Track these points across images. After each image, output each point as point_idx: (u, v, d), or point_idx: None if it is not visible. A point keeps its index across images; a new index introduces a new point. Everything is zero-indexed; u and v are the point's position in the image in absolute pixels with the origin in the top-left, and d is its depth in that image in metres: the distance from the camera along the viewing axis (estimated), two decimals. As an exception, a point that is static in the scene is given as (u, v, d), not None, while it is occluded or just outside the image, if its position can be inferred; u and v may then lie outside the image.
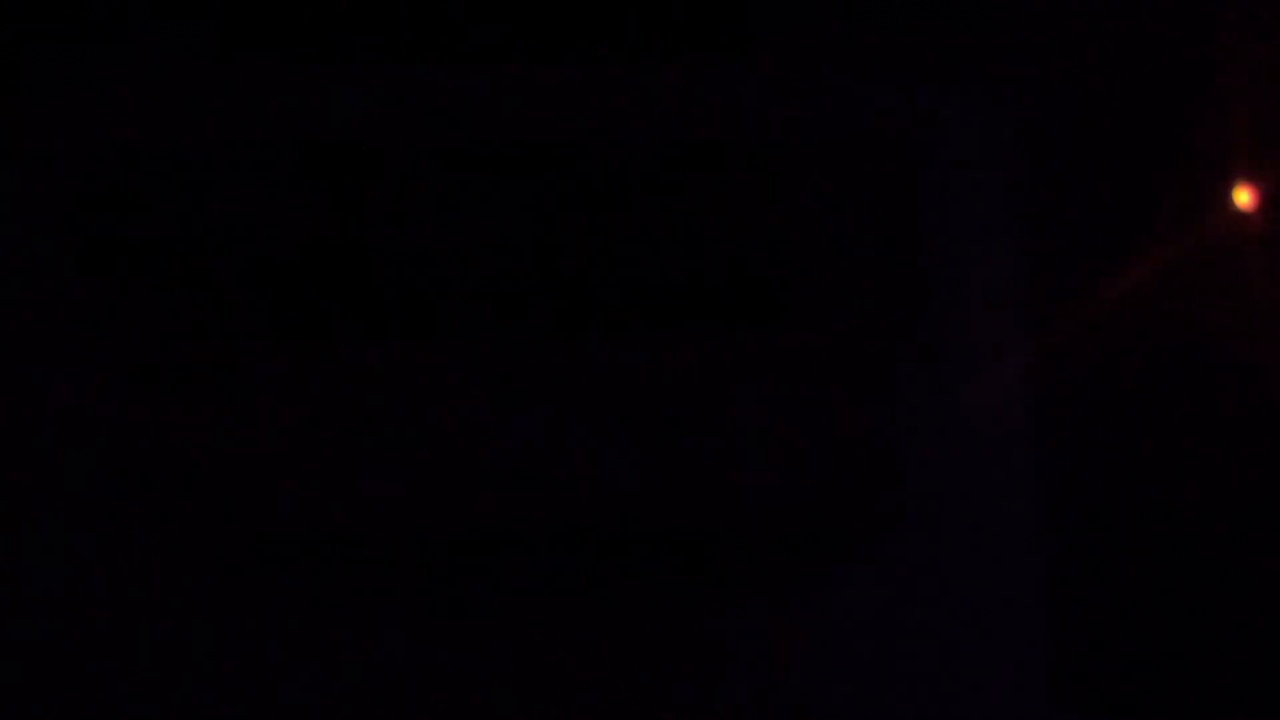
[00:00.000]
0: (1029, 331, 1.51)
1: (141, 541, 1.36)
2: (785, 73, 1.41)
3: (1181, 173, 1.54)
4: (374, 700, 1.35)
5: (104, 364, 1.35)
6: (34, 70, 1.37)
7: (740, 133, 1.41)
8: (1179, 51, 1.54)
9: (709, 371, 1.39)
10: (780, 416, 1.39)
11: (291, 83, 1.34)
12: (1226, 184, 1.54)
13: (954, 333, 1.48)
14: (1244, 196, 1.54)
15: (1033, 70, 1.56)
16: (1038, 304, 1.53)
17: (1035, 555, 1.47)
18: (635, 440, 1.37)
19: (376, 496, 1.35)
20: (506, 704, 1.34)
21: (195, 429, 1.35)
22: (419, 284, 1.36)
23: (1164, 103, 1.55)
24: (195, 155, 1.34)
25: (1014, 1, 1.53)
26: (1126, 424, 1.49)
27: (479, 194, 1.37)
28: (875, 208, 1.43)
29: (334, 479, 1.36)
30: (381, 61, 1.37)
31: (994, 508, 1.45)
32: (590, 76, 1.38)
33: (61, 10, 1.37)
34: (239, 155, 1.34)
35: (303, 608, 1.35)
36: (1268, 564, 1.45)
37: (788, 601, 1.38)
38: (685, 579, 1.37)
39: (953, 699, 1.37)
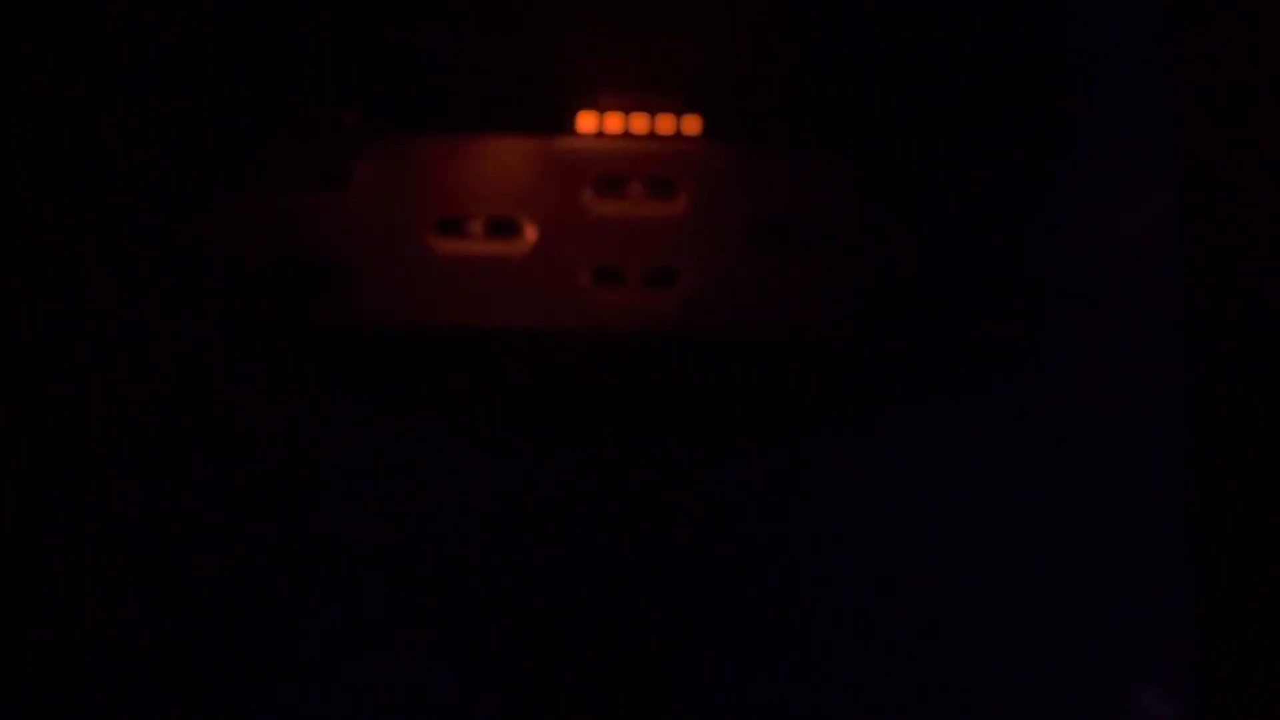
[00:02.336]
0: (1181, 160, 1.42)
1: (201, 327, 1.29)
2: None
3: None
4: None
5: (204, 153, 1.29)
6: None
7: None
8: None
9: (853, 191, 1.32)
10: (917, 239, 1.32)
11: None
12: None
13: (1102, 163, 1.40)
14: None
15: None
16: (1192, 131, 1.43)
17: (1175, 414, 1.37)
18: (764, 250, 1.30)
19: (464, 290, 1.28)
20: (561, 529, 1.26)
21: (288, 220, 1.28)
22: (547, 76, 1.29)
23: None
24: None
25: None
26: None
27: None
28: (1023, 39, 1.36)
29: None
30: None
31: (1135, 343, 1.36)
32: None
33: None
34: None
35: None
36: None
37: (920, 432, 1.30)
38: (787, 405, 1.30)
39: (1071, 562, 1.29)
